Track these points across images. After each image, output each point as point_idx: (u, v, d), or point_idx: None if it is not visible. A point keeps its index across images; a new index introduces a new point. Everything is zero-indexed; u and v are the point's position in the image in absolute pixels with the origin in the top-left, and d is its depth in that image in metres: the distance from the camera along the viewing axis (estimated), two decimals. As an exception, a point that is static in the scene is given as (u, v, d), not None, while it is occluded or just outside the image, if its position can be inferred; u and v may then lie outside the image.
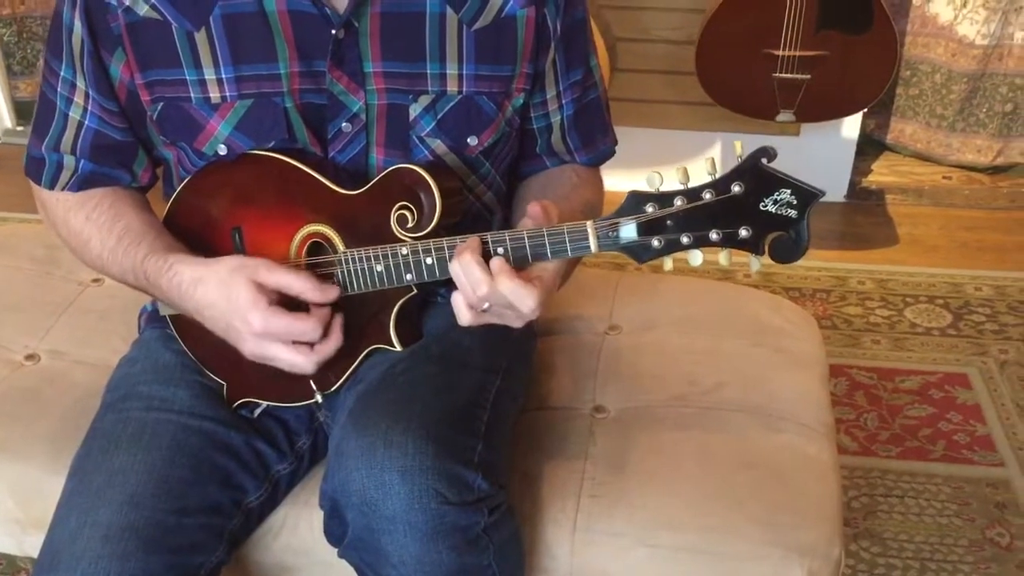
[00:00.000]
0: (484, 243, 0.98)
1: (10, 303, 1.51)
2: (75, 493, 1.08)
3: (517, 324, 1.00)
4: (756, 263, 0.93)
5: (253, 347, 1.04)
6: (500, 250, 0.98)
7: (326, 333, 1.04)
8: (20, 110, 3.26)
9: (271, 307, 1.01)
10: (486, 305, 0.97)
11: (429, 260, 1.02)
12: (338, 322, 1.06)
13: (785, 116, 2.45)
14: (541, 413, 1.30)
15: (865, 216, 2.81)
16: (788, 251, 0.91)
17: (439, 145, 1.13)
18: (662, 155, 2.69)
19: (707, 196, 0.91)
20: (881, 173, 3.00)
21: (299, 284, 1.02)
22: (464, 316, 0.99)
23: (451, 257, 0.99)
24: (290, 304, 1.04)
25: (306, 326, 1.02)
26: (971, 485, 1.85)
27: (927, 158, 3.03)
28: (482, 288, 0.95)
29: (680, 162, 0.91)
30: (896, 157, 3.08)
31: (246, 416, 1.18)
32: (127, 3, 1.07)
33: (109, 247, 1.13)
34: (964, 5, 2.79)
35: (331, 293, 1.04)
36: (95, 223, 1.15)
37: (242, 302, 1.01)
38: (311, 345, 1.04)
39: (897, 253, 2.64)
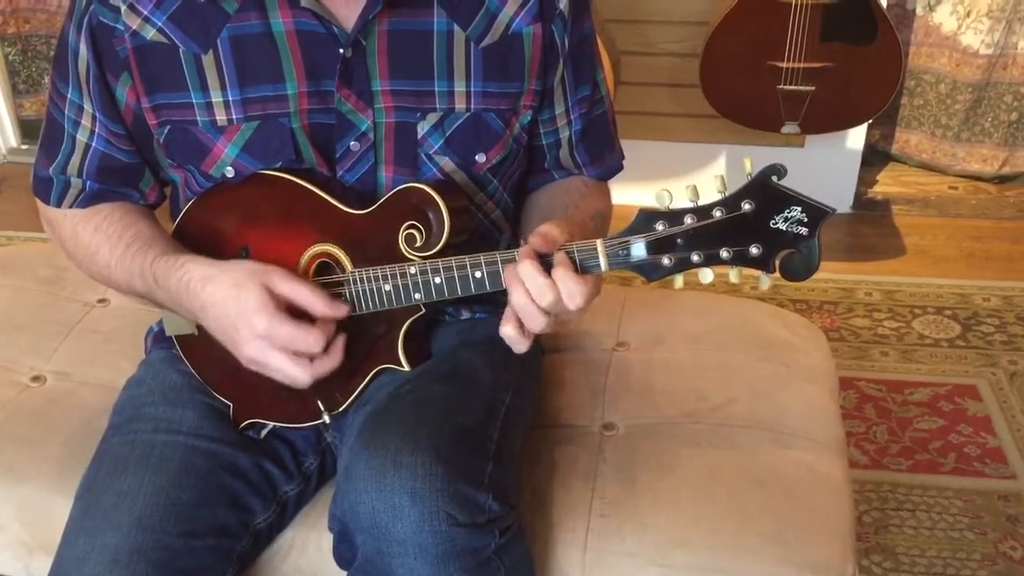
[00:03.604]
0: (493, 261, 0.98)
1: (16, 324, 1.50)
2: (83, 515, 1.07)
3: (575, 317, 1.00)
4: (767, 281, 0.92)
5: (252, 352, 1.02)
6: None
7: (327, 350, 1.03)
8: (25, 128, 3.27)
9: (278, 313, 1.01)
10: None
11: (438, 279, 1.02)
12: (340, 341, 1.05)
13: (790, 128, 2.45)
14: (550, 431, 1.29)
15: (871, 227, 2.81)
16: (799, 269, 0.91)
17: (447, 162, 1.12)
18: (667, 167, 2.69)
19: (717, 214, 0.90)
20: (887, 184, 3.00)
21: (311, 297, 1.02)
22: (519, 343, 0.98)
23: (463, 276, 1.00)
24: (297, 317, 1.03)
25: (310, 337, 1.01)
26: (982, 498, 1.84)
27: (933, 168, 3.02)
28: (548, 295, 0.94)
29: (685, 174, 0.91)
30: (902, 168, 3.07)
31: (253, 437, 1.17)
32: (134, 27, 1.07)
33: (118, 254, 1.13)
34: (968, 15, 2.79)
35: (341, 309, 1.03)
36: (104, 233, 1.14)
37: (250, 304, 1.00)
38: (310, 359, 1.03)
39: (904, 264, 2.63)
